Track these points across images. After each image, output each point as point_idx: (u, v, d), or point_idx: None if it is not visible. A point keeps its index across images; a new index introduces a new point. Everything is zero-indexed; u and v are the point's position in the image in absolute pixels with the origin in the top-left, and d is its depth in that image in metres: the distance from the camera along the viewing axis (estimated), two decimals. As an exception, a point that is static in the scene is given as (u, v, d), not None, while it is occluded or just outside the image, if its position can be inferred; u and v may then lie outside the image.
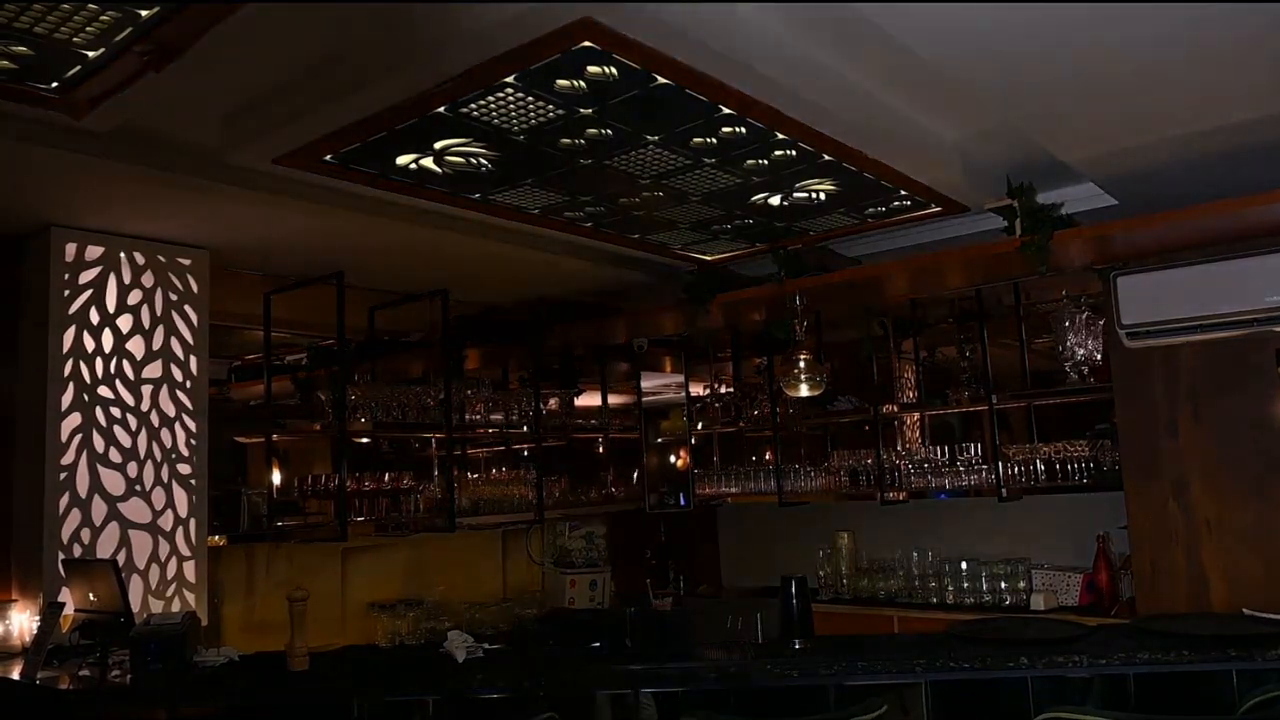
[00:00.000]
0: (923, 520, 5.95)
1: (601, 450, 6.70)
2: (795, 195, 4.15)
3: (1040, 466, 5.02)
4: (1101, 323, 4.47)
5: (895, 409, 5.85)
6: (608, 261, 5.37)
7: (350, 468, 4.74)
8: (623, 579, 6.68)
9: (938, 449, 5.63)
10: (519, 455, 6.63)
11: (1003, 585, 5.30)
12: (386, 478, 5.21)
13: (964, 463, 5.45)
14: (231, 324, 5.84)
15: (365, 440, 6.30)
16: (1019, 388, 5.33)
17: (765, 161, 3.67)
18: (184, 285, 4.38)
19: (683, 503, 6.58)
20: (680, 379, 6.63)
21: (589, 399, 6.79)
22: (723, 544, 7.01)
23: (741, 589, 6.67)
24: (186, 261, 4.40)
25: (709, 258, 5.26)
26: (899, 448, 5.84)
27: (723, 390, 6.81)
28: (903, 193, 4.15)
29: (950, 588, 5.48)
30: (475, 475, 6.18)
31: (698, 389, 7.02)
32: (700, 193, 4.02)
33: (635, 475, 6.81)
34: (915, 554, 5.73)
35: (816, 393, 5.28)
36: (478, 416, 5.65)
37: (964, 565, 5.46)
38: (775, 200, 4.19)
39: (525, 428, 5.90)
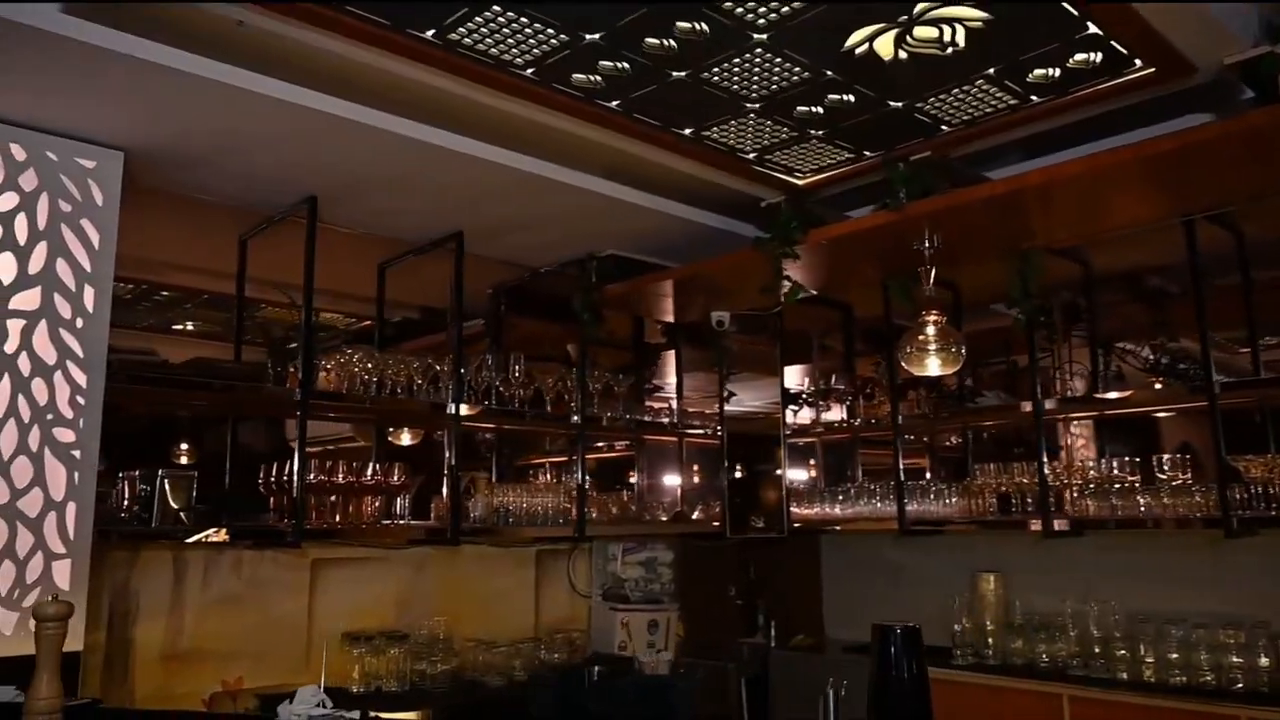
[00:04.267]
0: (1103, 560, 4.28)
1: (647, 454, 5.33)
2: (918, 35, 2.70)
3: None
4: None
5: (1063, 405, 4.25)
6: (677, 194, 4.06)
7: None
8: (695, 621, 5.25)
9: (1122, 461, 4.01)
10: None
11: (1233, 659, 3.60)
12: (370, 471, 4.00)
13: (1166, 480, 3.81)
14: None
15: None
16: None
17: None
18: (83, 195, 3.31)
19: (773, 527, 5.11)
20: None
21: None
22: (827, 582, 5.46)
23: (847, 642, 5.10)
24: (89, 164, 3.33)
25: (799, 181, 3.84)
26: (1067, 460, 4.25)
27: (830, 384, 5.34)
28: (1090, 28, 2.64)
29: (1148, 658, 3.80)
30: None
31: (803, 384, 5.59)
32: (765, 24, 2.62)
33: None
34: (1094, 607, 4.07)
35: (951, 369, 3.80)
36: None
37: (1173, 630, 3.78)
38: (886, 45, 2.74)
39: (576, 418, 4.59)
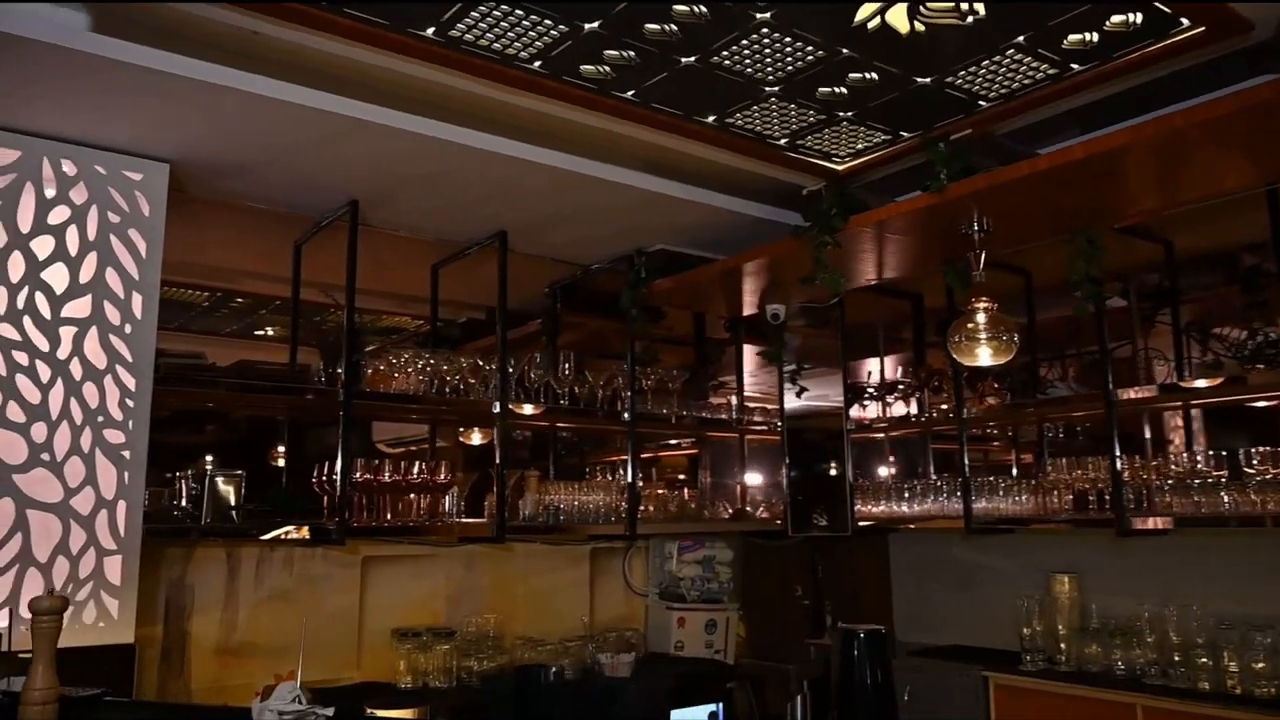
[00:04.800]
0: (1185, 561, 4.00)
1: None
2: (932, 5, 2.54)
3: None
4: None
5: (1146, 392, 3.96)
6: (718, 185, 3.97)
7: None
8: (758, 622, 5.15)
9: (1208, 455, 3.72)
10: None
11: (1326, 670, 3.29)
12: (416, 470, 4.05)
13: (1254, 475, 3.52)
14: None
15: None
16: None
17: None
18: (131, 206, 3.45)
19: (837, 526, 4.96)
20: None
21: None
22: (897, 583, 5.26)
23: (916, 645, 4.90)
24: (136, 176, 3.48)
25: (838, 166, 3.70)
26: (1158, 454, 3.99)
27: (896, 377, 5.16)
28: (1123, -13, 2.45)
29: (1232, 667, 3.51)
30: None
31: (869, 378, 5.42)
32: None
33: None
34: (1173, 611, 3.79)
35: (1003, 359, 3.60)
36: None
37: (1259, 636, 3.49)
38: (900, 18, 2.59)
39: (626, 414, 4.56)
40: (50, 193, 3.31)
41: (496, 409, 4.17)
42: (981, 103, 3.14)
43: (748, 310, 4.98)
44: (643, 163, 3.83)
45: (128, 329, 3.39)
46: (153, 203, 3.50)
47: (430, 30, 2.65)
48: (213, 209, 4.04)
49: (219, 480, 3.62)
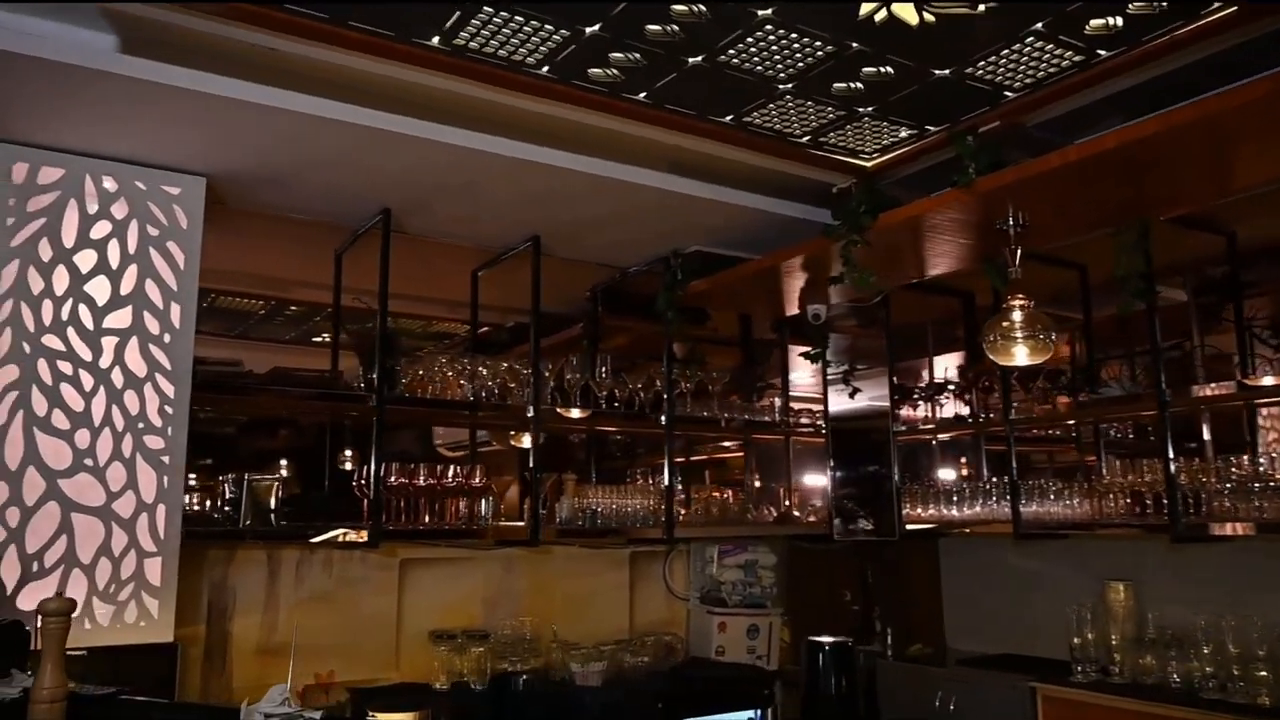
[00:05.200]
0: (1247, 569, 3.79)
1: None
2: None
3: None
4: None
5: (1211, 391, 3.78)
6: (748, 185, 3.92)
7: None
8: (804, 627, 5.05)
9: (1273, 459, 3.52)
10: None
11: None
12: (451, 473, 4.10)
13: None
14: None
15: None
16: None
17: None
18: (169, 219, 3.57)
19: (884, 530, 4.85)
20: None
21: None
22: (948, 589, 5.11)
23: (966, 653, 4.76)
24: (174, 190, 3.59)
25: (867, 163, 3.61)
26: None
27: (944, 378, 5.03)
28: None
29: (1294, 682, 3.32)
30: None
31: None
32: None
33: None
34: (1232, 621, 3.60)
35: (1040, 358, 3.48)
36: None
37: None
38: (908, 10, 2.51)
39: (663, 417, 4.54)
40: (92, 208, 3.44)
41: (531, 413, 4.19)
42: (1007, 93, 3.02)
43: (791, 311, 4.91)
44: (671, 165, 3.80)
45: (167, 338, 3.51)
46: (190, 215, 3.61)
47: (435, 39, 2.67)
48: (263, 220, 4.16)
49: (257, 483, 3.71)
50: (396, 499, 3.96)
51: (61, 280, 3.36)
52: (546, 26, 2.62)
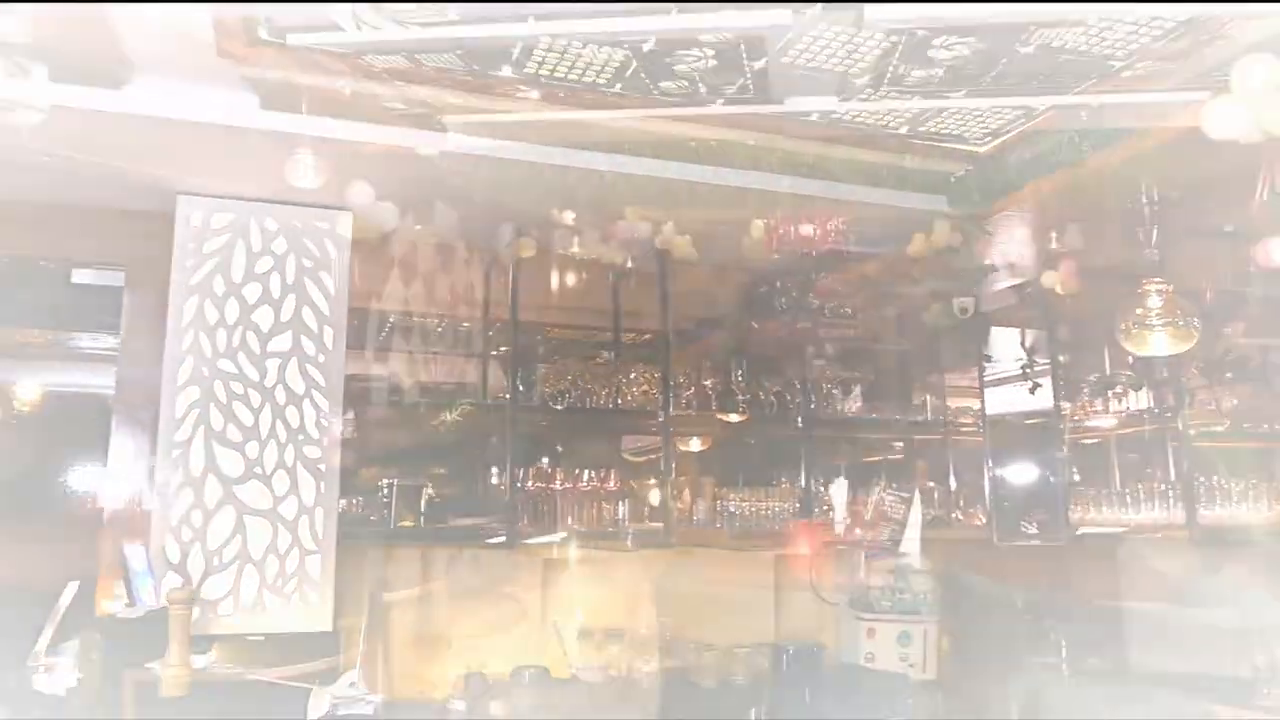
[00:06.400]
0: None
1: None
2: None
3: None
4: None
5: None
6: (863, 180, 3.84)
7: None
8: (966, 636, 4.83)
9: None
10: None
11: None
12: (586, 477, 4.28)
13: None
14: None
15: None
16: None
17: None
18: (320, 251, 3.98)
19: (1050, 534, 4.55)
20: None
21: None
22: (1126, 597, 4.70)
23: (1145, 670, 4.36)
24: (324, 225, 4.00)
25: (979, 149, 3.43)
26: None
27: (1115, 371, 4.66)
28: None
29: None
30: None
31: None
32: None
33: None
34: None
35: (1184, 346, 3.20)
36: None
37: None
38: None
39: (800, 421, 4.52)
40: (256, 246, 3.90)
41: (661, 417, 4.29)
42: (1112, 62, 2.79)
43: (919, 304, 4.73)
44: (781, 165, 3.78)
45: (321, 358, 3.92)
46: (338, 246, 4.01)
47: (506, 69, 2.84)
48: (432, 246, 4.52)
49: (405, 488, 4.05)
50: (537, 503, 4.19)
51: (233, 311, 3.84)
52: (604, 48, 2.71)
